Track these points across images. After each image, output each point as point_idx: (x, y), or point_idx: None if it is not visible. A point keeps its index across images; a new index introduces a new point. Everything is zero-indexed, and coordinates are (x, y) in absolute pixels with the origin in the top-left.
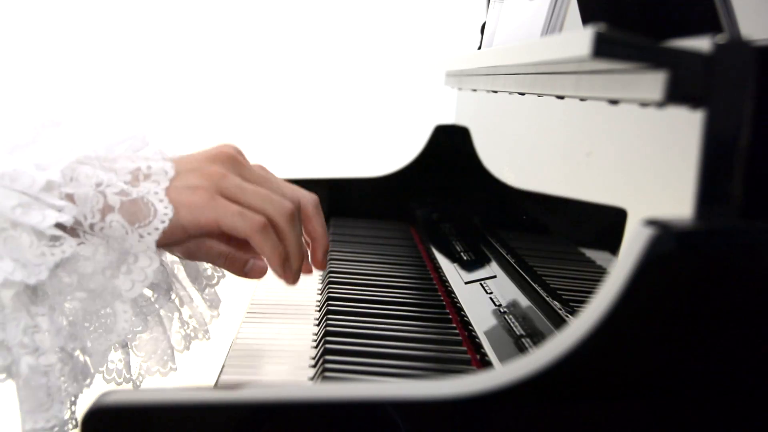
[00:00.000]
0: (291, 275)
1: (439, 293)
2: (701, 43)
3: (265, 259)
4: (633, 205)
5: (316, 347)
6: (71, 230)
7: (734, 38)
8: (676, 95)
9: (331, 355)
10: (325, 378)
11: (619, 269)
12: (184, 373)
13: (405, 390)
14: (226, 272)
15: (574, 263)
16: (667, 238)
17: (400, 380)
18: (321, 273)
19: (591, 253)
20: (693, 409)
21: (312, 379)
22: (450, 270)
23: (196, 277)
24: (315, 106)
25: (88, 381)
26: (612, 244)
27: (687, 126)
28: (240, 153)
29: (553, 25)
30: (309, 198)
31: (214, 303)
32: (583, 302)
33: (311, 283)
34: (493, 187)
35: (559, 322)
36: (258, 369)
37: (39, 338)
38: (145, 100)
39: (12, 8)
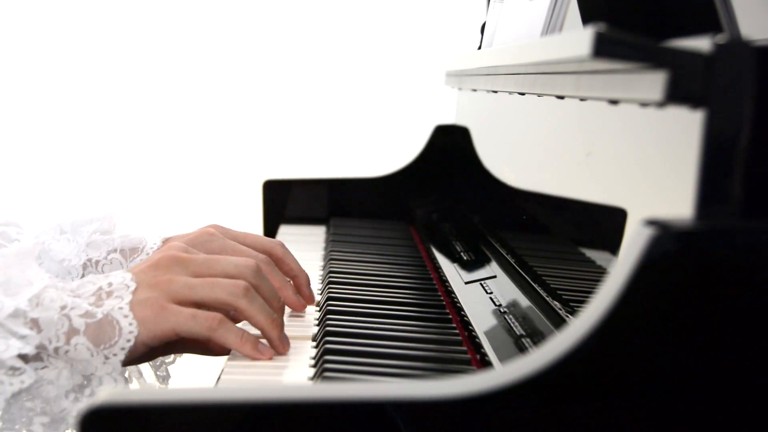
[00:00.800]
0: (275, 351)
1: (439, 293)
2: (701, 43)
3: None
4: (633, 205)
5: (316, 347)
6: (35, 354)
7: (734, 38)
8: (676, 95)
9: (331, 355)
10: (325, 378)
11: (619, 269)
12: (184, 373)
13: (405, 390)
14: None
15: (574, 263)
16: (667, 238)
17: (400, 380)
18: (321, 273)
19: (591, 253)
20: (693, 409)
21: (312, 379)
22: (450, 270)
23: None
24: (315, 106)
25: None
26: (612, 244)
27: (687, 126)
28: (182, 251)
29: (553, 25)
30: (274, 244)
31: (165, 379)
32: (583, 302)
33: (311, 283)
34: (493, 187)
35: (559, 322)
36: (258, 369)
37: None
38: (144, 101)
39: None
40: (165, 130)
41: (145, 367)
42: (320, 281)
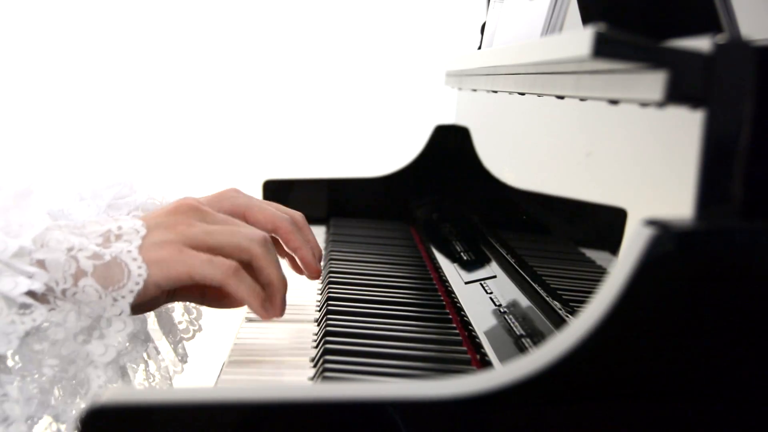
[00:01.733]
0: (274, 311)
1: (439, 293)
2: (701, 43)
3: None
4: (633, 205)
5: (316, 347)
6: (42, 296)
7: (734, 38)
8: (676, 95)
9: (331, 355)
10: (325, 378)
11: (619, 269)
12: (185, 373)
13: (405, 390)
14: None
15: (574, 263)
16: (667, 238)
17: (400, 380)
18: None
19: (591, 253)
20: (693, 409)
21: (312, 379)
22: (450, 270)
23: (170, 330)
24: (315, 106)
25: None
26: (612, 244)
27: (687, 126)
28: (200, 202)
29: (553, 25)
30: (296, 213)
31: (183, 358)
32: (583, 302)
33: (311, 282)
34: (493, 187)
35: (559, 322)
36: (258, 369)
37: (8, 407)
38: (145, 101)
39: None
40: (165, 130)
41: (164, 346)
42: (320, 281)
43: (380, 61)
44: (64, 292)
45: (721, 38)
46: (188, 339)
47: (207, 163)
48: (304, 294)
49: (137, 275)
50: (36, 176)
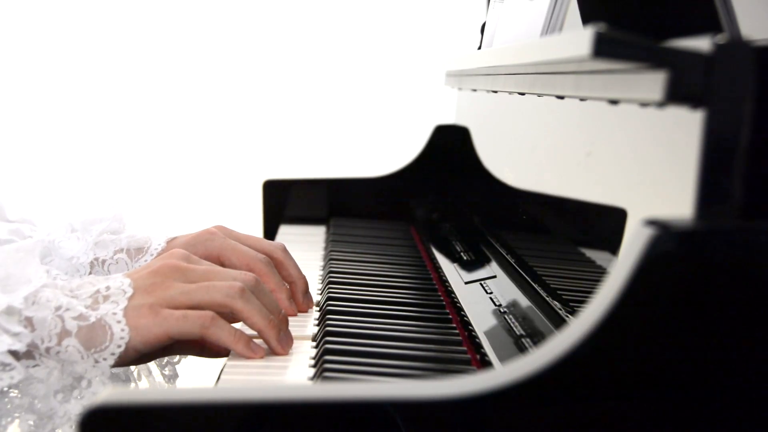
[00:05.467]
0: (261, 352)
1: (439, 293)
2: (701, 43)
3: (231, 349)
4: (633, 205)
5: (316, 347)
6: (27, 352)
7: (734, 38)
8: (676, 95)
9: (330, 355)
10: (324, 378)
11: (619, 269)
12: (185, 373)
13: (405, 390)
14: None
15: (574, 263)
16: (667, 238)
17: (400, 380)
18: (321, 273)
19: (591, 253)
20: (693, 409)
21: (312, 379)
22: (450, 270)
23: None
24: (315, 106)
25: None
26: (612, 244)
27: (687, 126)
28: (185, 257)
29: (553, 25)
30: (275, 247)
31: (172, 378)
32: (583, 302)
33: (311, 283)
34: (493, 187)
35: (559, 322)
36: (258, 369)
37: None
38: (146, 102)
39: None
40: (166, 131)
41: (153, 365)
42: (320, 281)
43: (380, 61)
44: (48, 350)
45: (721, 38)
46: (175, 363)
47: (208, 163)
48: None
49: (119, 338)
50: (37, 206)
